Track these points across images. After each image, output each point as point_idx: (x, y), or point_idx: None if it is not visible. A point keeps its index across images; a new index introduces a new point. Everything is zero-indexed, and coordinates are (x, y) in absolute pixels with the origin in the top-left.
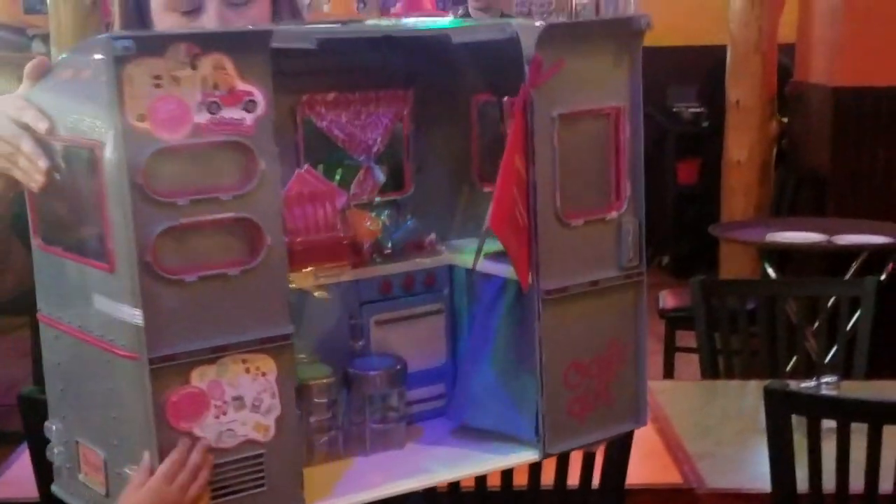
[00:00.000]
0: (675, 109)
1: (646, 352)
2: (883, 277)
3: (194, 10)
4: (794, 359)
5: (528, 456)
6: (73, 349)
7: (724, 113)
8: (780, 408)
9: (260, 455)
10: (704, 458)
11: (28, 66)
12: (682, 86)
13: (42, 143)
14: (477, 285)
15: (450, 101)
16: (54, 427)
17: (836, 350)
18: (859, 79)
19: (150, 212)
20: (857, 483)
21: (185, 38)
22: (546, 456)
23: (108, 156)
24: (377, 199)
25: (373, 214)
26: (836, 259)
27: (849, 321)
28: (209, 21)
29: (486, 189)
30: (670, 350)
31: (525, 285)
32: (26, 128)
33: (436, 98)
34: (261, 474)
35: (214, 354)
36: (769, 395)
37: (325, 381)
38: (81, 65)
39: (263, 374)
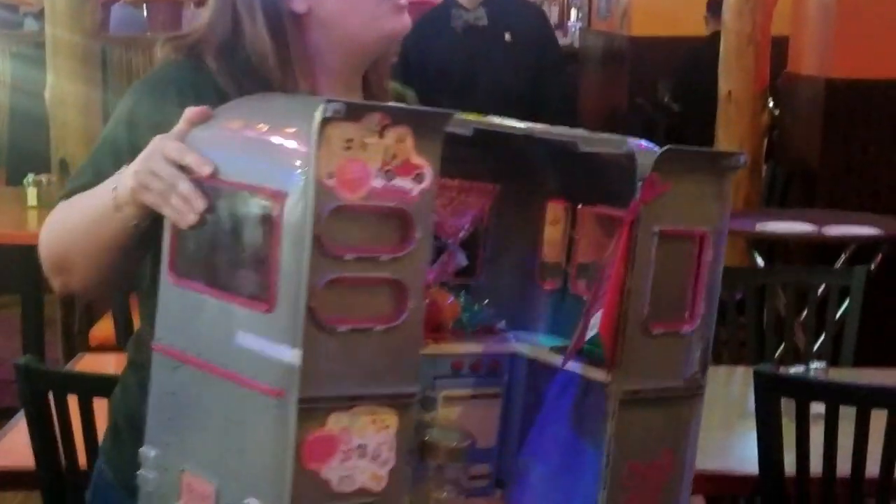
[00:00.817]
0: (665, 101)
1: (693, 465)
2: (872, 268)
3: None
4: (782, 347)
5: None
6: (195, 380)
7: (702, 104)
8: (769, 391)
9: None
10: None
11: (190, 112)
12: (671, 77)
13: (198, 183)
14: (539, 377)
15: (527, 201)
16: (152, 453)
17: (824, 340)
18: (852, 71)
19: (321, 262)
20: (844, 467)
21: (381, 109)
22: None
23: (292, 205)
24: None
25: (453, 295)
26: (825, 251)
27: (837, 311)
28: None
29: (547, 288)
30: None
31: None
32: (184, 169)
33: (515, 196)
34: None
35: (350, 402)
36: (759, 377)
37: None
38: (256, 118)
39: (386, 427)
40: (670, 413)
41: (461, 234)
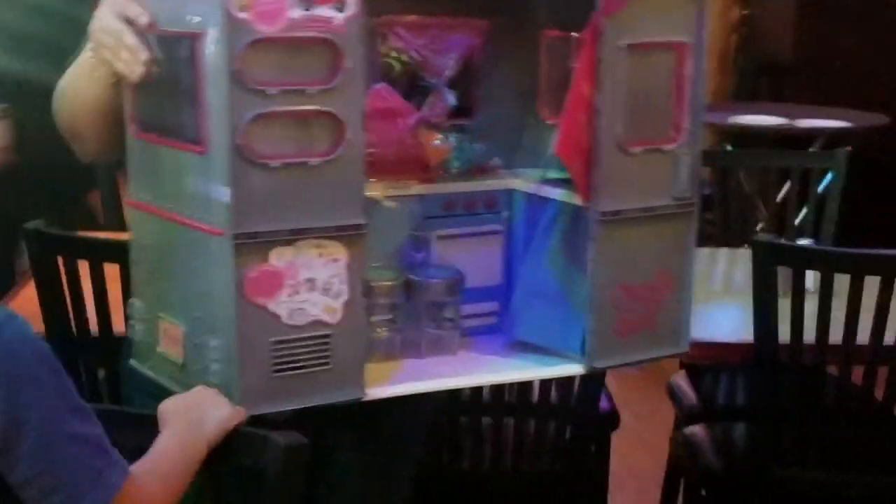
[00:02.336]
0: None
1: (691, 282)
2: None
3: None
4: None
5: (573, 369)
6: (162, 230)
7: None
8: (766, 259)
9: (327, 336)
10: None
11: None
12: None
13: (143, 36)
14: (535, 209)
15: (521, 34)
16: (136, 304)
17: (804, 218)
18: None
19: (244, 98)
20: (836, 335)
21: None
22: (591, 370)
23: (210, 43)
24: (447, 122)
25: (441, 136)
26: (796, 144)
27: (817, 192)
28: None
29: (550, 122)
30: None
31: (584, 203)
32: (129, 22)
33: (508, 30)
34: (326, 354)
35: (292, 237)
36: (757, 246)
37: (388, 283)
38: None
39: (335, 260)
40: (661, 232)
41: (446, 73)
